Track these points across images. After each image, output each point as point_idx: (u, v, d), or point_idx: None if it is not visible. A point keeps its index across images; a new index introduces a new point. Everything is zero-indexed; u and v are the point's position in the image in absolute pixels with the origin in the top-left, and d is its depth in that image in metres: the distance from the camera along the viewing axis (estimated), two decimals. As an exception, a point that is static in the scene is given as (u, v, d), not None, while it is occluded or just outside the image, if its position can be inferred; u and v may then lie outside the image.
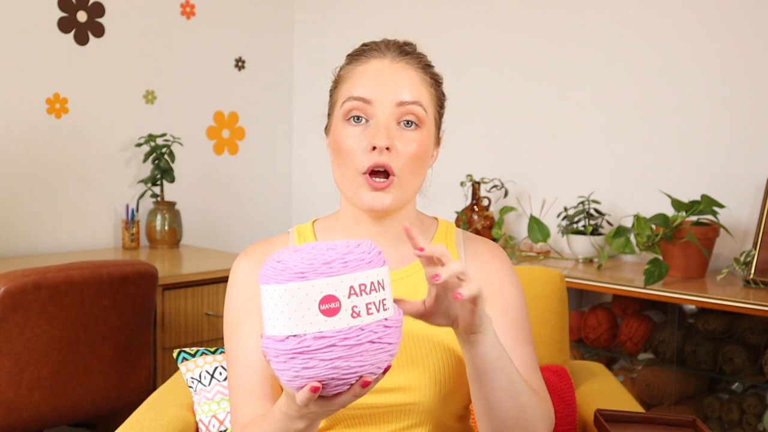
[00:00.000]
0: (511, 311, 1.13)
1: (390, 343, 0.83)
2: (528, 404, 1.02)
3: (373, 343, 0.81)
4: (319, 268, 0.80)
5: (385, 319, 0.83)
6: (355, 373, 0.81)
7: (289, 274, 0.80)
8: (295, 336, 0.80)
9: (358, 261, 0.81)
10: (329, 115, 1.17)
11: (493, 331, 0.97)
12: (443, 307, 0.94)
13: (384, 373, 0.85)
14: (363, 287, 0.81)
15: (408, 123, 1.08)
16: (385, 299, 0.83)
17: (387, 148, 1.05)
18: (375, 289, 0.82)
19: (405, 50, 1.13)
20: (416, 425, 1.10)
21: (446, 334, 1.11)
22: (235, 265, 1.17)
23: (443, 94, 1.17)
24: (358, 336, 0.80)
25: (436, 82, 1.15)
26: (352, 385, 0.83)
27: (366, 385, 0.83)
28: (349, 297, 0.80)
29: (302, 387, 0.82)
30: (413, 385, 1.08)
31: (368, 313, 0.81)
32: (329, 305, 0.79)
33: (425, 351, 1.09)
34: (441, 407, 1.09)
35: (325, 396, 0.84)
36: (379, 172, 1.07)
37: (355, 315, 0.80)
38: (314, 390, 0.81)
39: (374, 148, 1.06)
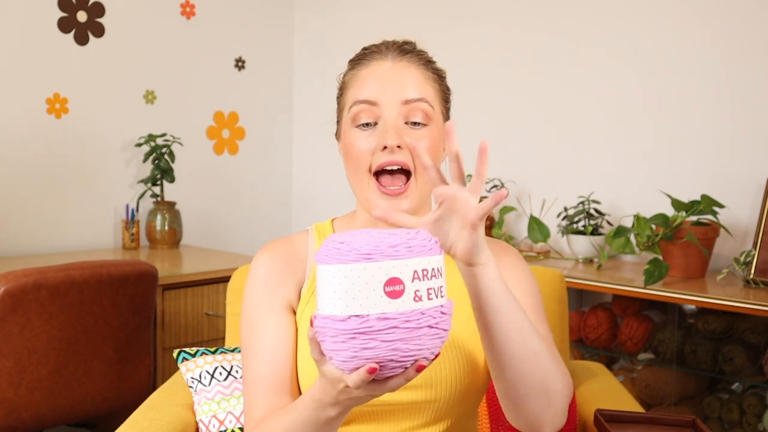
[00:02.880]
0: (527, 297, 1.13)
1: (444, 330, 0.85)
2: (540, 350, 0.98)
3: (431, 327, 0.82)
4: (385, 251, 0.81)
5: (442, 306, 0.84)
6: (412, 356, 0.82)
7: (355, 254, 0.81)
8: (357, 316, 0.80)
9: (421, 247, 0.83)
10: (338, 121, 1.18)
11: (495, 268, 0.95)
12: (443, 229, 0.94)
13: (434, 359, 0.86)
14: (425, 272, 0.82)
15: (416, 122, 1.09)
16: (442, 286, 0.85)
17: (398, 147, 1.06)
18: (435, 276, 0.83)
19: (405, 49, 1.14)
20: (430, 423, 1.10)
21: (461, 331, 1.11)
22: (256, 260, 1.18)
23: (448, 89, 1.18)
24: (418, 320, 0.81)
25: (439, 77, 1.15)
26: (406, 368, 0.83)
27: (420, 369, 0.83)
28: (412, 281, 0.81)
29: (356, 368, 0.82)
30: (430, 382, 1.08)
31: (428, 298, 0.82)
32: (394, 287, 0.80)
33: (443, 349, 1.09)
34: (456, 405, 1.09)
35: (377, 379, 0.84)
36: (395, 175, 1.07)
37: (417, 299, 0.81)
38: (372, 371, 0.81)
39: (385, 147, 1.06)
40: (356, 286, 0.80)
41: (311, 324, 0.86)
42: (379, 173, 1.09)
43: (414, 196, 1.08)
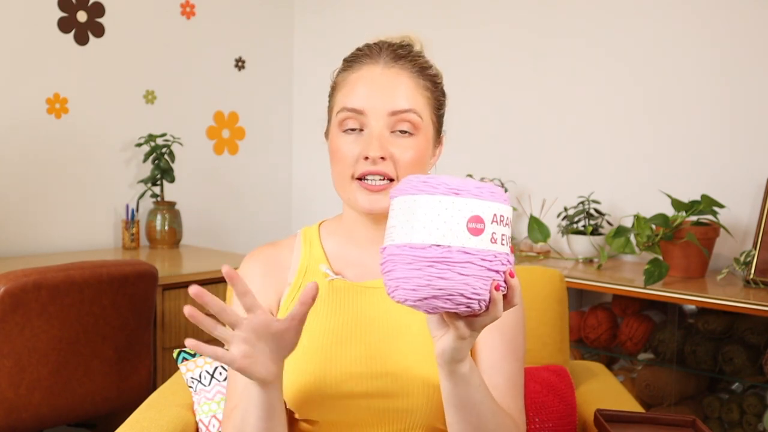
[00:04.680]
0: (506, 327, 1.13)
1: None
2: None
3: (498, 272, 0.85)
4: (471, 190, 0.84)
5: (508, 254, 0.86)
6: (479, 296, 0.84)
7: (444, 188, 0.83)
8: (439, 246, 0.82)
9: (500, 195, 0.85)
10: (328, 120, 1.17)
11: (470, 362, 0.96)
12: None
13: (487, 307, 0.86)
14: (502, 218, 0.85)
15: (403, 131, 1.09)
16: (510, 237, 0.87)
17: (382, 158, 1.06)
18: (507, 224, 0.86)
19: (399, 54, 1.12)
20: (409, 428, 1.10)
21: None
22: (243, 267, 1.18)
23: (443, 94, 1.16)
24: (491, 261, 0.84)
25: (433, 83, 1.13)
26: (470, 307, 0.84)
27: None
28: (491, 223, 0.84)
29: (425, 298, 0.83)
30: (408, 390, 1.08)
31: (501, 243, 0.85)
32: (476, 225, 0.83)
33: (420, 358, 1.09)
34: (433, 413, 1.09)
35: (450, 314, 0.86)
36: (375, 181, 1.08)
37: (493, 241, 0.84)
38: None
39: (367, 158, 1.06)
40: (442, 218, 0.82)
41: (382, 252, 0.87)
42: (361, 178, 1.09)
43: None
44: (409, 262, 0.83)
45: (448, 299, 0.83)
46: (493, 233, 0.84)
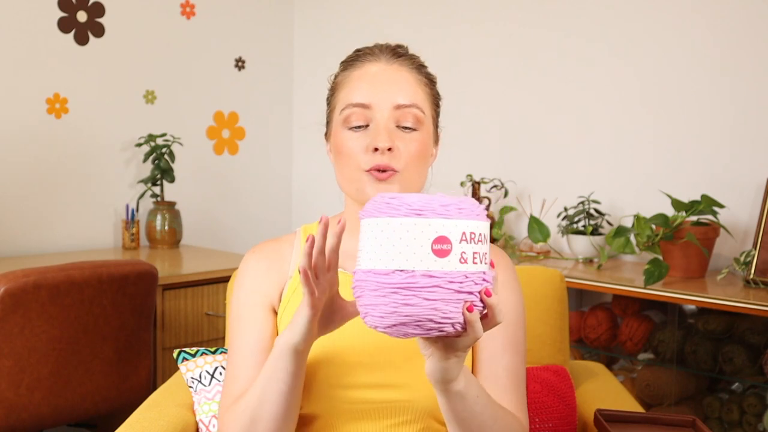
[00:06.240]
0: (506, 320, 1.13)
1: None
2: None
3: (471, 294, 0.81)
4: (436, 209, 0.80)
5: (484, 273, 0.82)
6: (451, 320, 0.80)
7: (406, 209, 0.80)
8: (402, 271, 0.79)
9: (470, 210, 0.82)
10: (328, 122, 1.19)
11: (466, 375, 0.95)
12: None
13: (464, 329, 0.83)
14: (473, 236, 0.81)
15: (406, 127, 1.11)
16: (486, 253, 0.83)
17: (389, 149, 1.08)
18: (481, 241, 0.82)
19: (398, 52, 1.15)
20: (410, 421, 1.11)
21: None
22: (245, 260, 1.21)
23: (438, 94, 1.20)
24: (461, 283, 0.80)
25: (430, 81, 1.17)
26: (442, 331, 0.81)
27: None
28: (460, 242, 0.80)
29: (394, 325, 0.81)
30: (408, 382, 1.09)
31: (473, 262, 0.81)
32: (441, 246, 0.79)
33: (418, 351, 1.09)
34: (433, 404, 1.10)
35: (413, 335, 0.84)
36: (383, 171, 1.09)
37: (462, 261, 0.80)
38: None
39: (376, 149, 1.07)
40: (404, 241, 0.79)
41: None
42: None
43: (402, 184, 1.09)
44: (374, 289, 0.81)
45: (417, 325, 0.80)
46: (463, 252, 0.80)
